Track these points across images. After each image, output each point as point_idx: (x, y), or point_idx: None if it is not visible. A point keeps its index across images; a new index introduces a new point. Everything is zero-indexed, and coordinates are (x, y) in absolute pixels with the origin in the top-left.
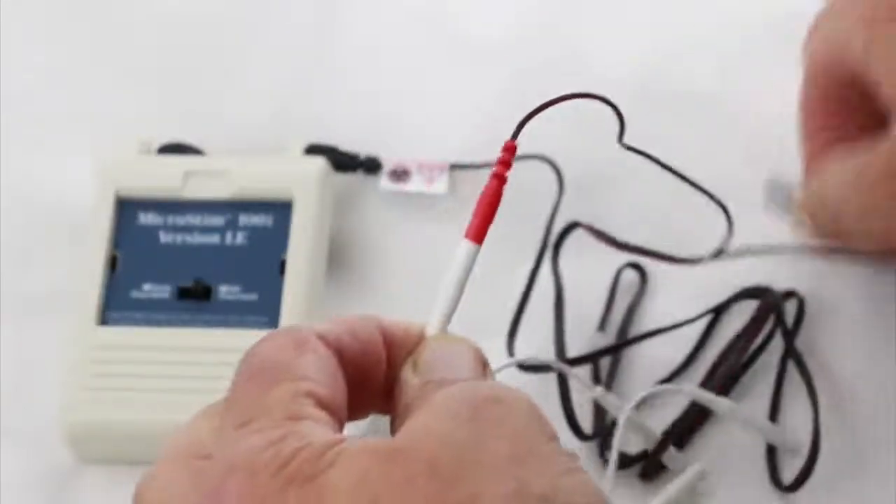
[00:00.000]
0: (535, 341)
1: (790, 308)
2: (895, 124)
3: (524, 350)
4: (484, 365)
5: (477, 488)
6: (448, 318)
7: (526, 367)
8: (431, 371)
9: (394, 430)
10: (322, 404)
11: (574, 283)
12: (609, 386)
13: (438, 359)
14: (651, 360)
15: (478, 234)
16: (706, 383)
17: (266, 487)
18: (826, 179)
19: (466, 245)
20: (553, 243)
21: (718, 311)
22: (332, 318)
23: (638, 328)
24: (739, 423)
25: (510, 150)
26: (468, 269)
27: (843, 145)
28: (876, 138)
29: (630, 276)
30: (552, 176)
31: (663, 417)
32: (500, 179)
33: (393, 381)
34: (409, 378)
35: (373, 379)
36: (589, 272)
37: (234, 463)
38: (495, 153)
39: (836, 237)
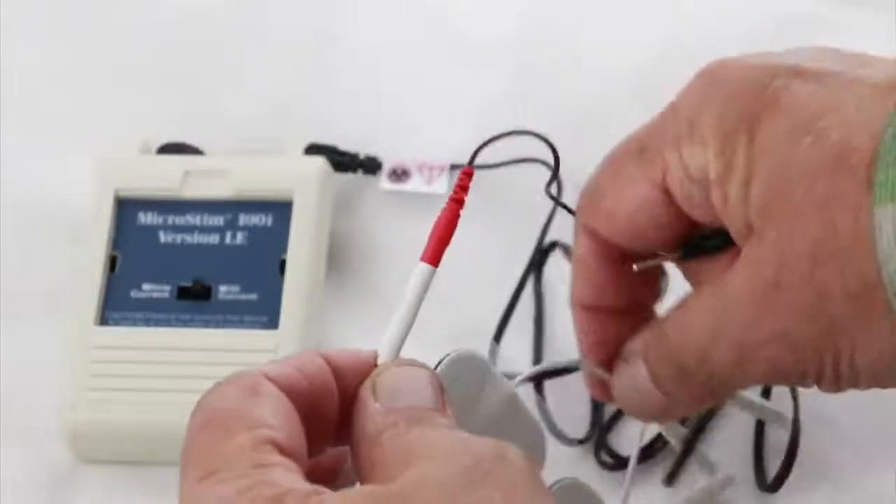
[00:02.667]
0: (520, 346)
1: None
2: (750, 244)
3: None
4: (441, 389)
5: None
6: (402, 341)
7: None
8: (394, 397)
9: (356, 460)
10: (284, 451)
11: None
12: None
13: (399, 384)
14: None
15: (433, 256)
16: None
17: None
18: (680, 329)
19: (422, 268)
20: (536, 263)
21: None
22: (274, 360)
23: None
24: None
25: (468, 175)
26: (423, 292)
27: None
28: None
29: None
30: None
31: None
32: (458, 203)
33: (346, 411)
34: (370, 403)
35: (326, 413)
36: None
37: None
38: (495, 153)
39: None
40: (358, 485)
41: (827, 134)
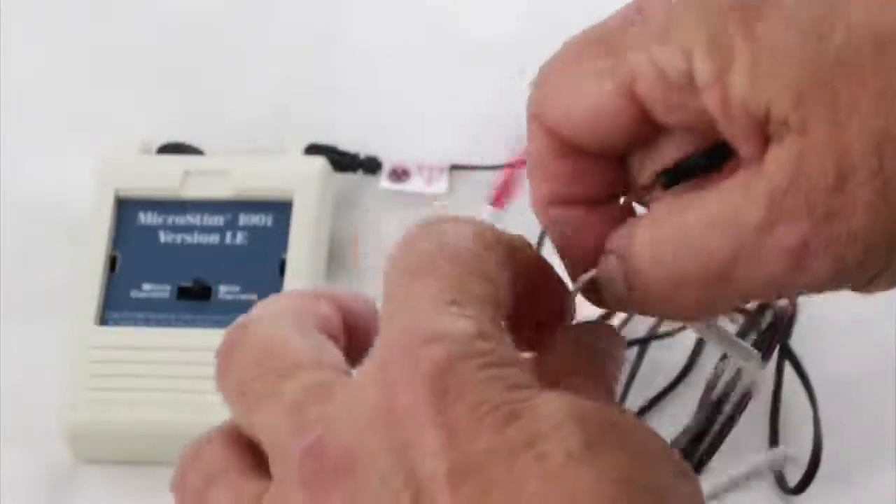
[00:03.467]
0: None
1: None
2: (769, 157)
3: None
4: None
5: (667, 491)
6: None
7: None
8: None
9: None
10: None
11: None
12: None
13: None
14: (651, 365)
15: None
16: (709, 390)
17: (468, 373)
18: (664, 239)
19: None
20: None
21: None
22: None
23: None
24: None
25: None
26: None
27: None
28: (720, 185)
29: None
30: None
31: (673, 421)
32: None
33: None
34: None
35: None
36: None
37: (438, 334)
38: (495, 153)
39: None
40: None
41: (849, 20)
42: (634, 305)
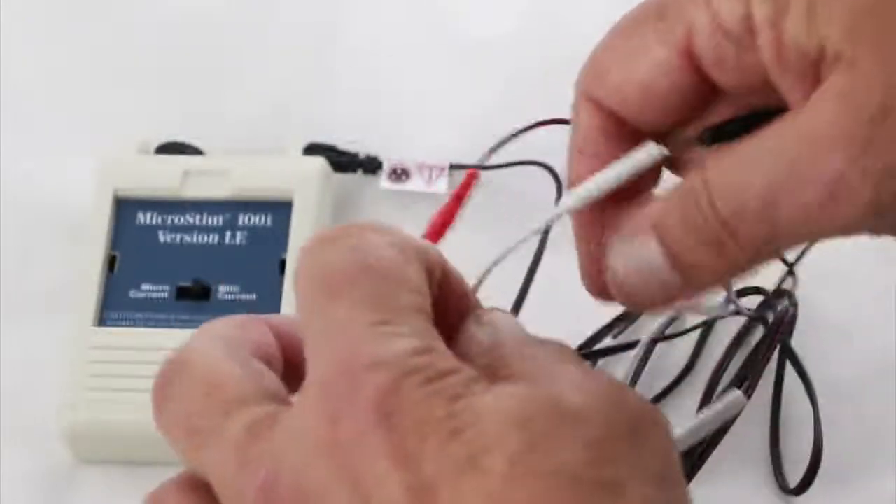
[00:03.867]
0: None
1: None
2: (816, 94)
3: None
4: None
5: (630, 478)
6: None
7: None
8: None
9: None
10: (431, 321)
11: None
12: None
13: (499, 321)
14: (651, 366)
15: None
16: (710, 390)
17: (410, 391)
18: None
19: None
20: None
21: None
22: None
23: (633, 335)
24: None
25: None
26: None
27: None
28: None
29: None
30: (551, 182)
31: (673, 422)
32: None
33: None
34: (476, 331)
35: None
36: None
37: (379, 360)
38: (495, 153)
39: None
40: None
41: None
42: (675, 285)
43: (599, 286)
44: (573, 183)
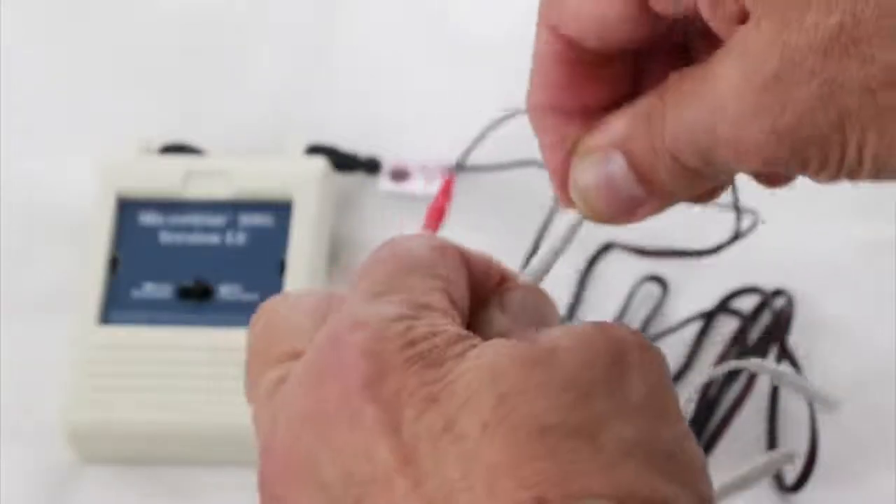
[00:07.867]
0: None
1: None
2: (744, 32)
3: None
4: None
5: (606, 417)
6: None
7: None
8: (523, 313)
9: None
10: (455, 305)
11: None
12: None
13: (530, 304)
14: None
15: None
16: (709, 384)
17: (389, 356)
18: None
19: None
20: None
21: (710, 316)
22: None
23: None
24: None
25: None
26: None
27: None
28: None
29: (624, 279)
30: (550, 182)
31: None
32: None
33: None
34: (496, 316)
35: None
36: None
37: (362, 320)
38: (495, 153)
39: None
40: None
41: None
42: (641, 198)
43: (568, 197)
44: (530, 104)
